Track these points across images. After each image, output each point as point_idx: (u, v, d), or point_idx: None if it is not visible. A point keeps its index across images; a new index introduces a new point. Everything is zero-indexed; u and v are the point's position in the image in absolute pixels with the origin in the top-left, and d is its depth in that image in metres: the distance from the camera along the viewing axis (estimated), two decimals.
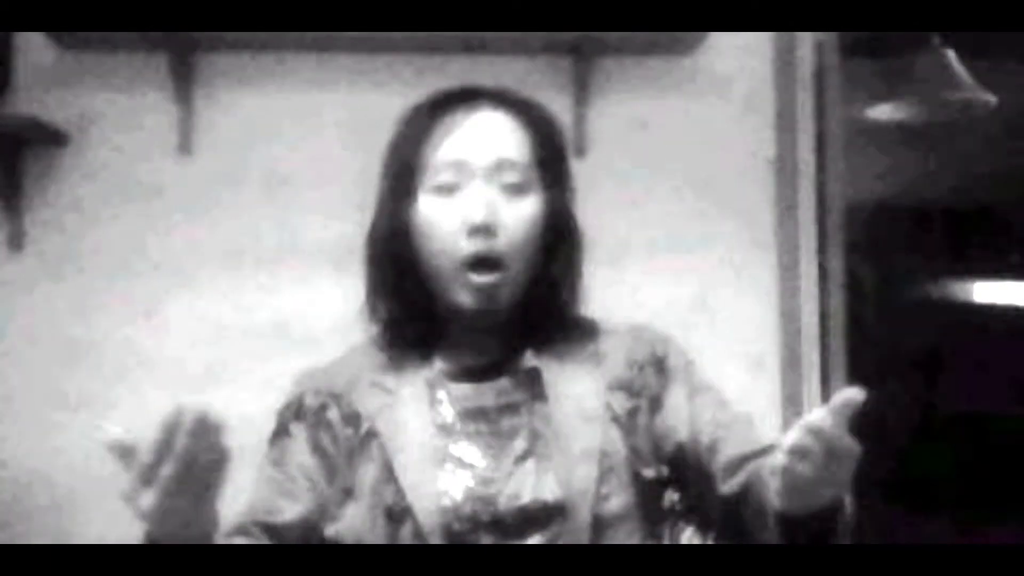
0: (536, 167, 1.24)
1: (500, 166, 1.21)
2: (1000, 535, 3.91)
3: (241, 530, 1.18)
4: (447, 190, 1.21)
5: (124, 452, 0.92)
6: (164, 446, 0.92)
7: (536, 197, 1.23)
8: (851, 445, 0.95)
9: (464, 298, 1.21)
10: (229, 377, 2.28)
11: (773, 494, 1.00)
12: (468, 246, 1.19)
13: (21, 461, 2.31)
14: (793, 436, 0.94)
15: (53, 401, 2.30)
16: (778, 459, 0.97)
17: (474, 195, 1.20)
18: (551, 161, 1.26)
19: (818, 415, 0.94)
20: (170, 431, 0.91)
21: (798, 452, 0.94)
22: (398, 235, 1.24)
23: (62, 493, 2.29)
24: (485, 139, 1.23)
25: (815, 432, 0.93)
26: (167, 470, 0.92)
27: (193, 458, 0.92)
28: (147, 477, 0.92)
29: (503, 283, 1.21)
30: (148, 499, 0.93)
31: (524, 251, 1.22)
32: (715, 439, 1.19)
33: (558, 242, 1.26)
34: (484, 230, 1.19)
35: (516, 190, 1.22)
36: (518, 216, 1.21)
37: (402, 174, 1.24)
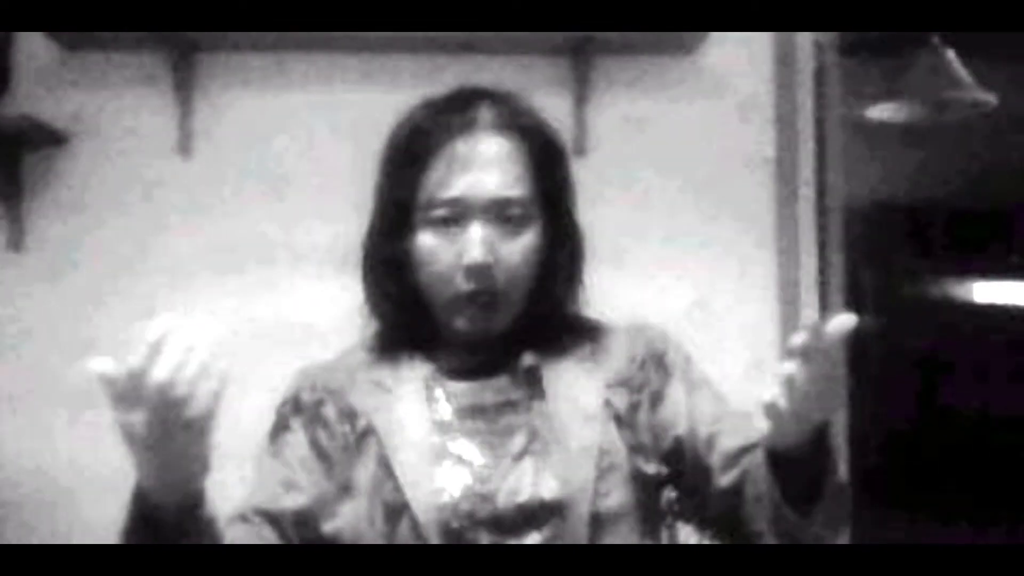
0: (537, 194, 1.22)
1: (499, 204, 1.19)
2: (1000, 535, 3.91)
3: (241, 518, 1.18)
4: (444, 225, 1.19)
5: (111, 382, 0.90)
6: (152, 356, 0.91)
7: (536, 225, 1.22)
8: (838, 361, 0.99)
9: (459, 324, 1.21)
10: (229, 377, 2.27)
11: (765, 430, 1.04)
12: (465, 284, 1.19)
13: (21, 460, 2.31)
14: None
15: (53, 401, 2.30)
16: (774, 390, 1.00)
17: (471, 234, 1.18)
18: (553, 182, 1.24)
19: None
20: (157, 344, 0.91)
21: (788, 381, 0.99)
22: (394, 262, 1.23)
23: (62, 492, 2.29)
24: (484, 175, 1.19)
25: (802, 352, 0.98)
26: (155, 380, 0.90)
27: (180, 372, 0.91)
28: (136, 391, 0.90)
29: (500, 313, 1.21)
30: (139, 417, 0.90)
31: (523, 282, 1.21)
32: (713, 433, 1.20)
33: (559, 260, 1.25)
34: (482, 270, 1.18)
35: (516, 223, 1.20)
36: (517, 250, 1.20)
37: (399, 204, 1.22)
